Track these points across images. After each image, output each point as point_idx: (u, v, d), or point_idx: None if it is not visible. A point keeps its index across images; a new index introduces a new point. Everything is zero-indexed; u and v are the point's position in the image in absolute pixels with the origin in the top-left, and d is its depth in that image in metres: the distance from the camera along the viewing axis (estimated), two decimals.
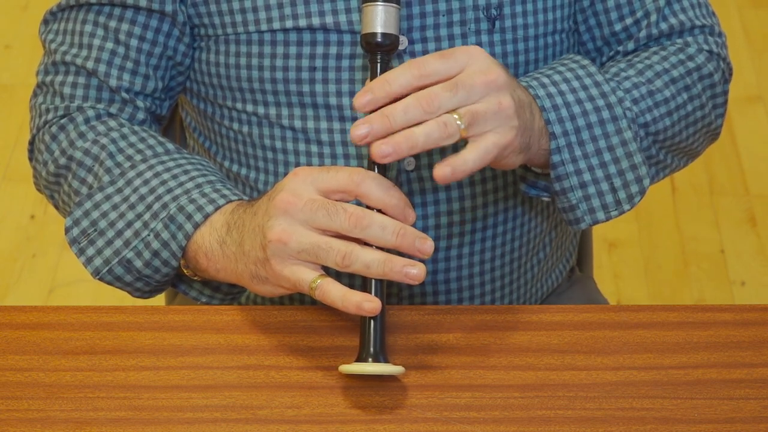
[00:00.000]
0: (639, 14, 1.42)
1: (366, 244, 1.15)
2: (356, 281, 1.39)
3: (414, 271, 1.13)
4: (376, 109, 1.15)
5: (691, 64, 1.40)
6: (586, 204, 1.31)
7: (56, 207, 1.43)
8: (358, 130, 1.14)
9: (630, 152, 1.31)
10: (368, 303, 1.13)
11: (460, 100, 1.16)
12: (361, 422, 1.15)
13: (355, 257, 1.13)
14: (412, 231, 1.14)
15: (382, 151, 1.14)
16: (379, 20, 1.20)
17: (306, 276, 1.15)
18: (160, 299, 1.79)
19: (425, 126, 1.15)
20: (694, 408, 1.16)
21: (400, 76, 1.16)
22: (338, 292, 1.14)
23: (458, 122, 1.15)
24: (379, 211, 1.15)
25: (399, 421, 1.15)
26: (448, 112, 1.15)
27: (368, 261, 1.13)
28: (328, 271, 1.17)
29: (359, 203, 1.16)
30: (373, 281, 1.16)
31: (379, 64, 1.21)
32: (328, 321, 1.24)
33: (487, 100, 1.17)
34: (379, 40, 1.20)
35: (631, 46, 1.42)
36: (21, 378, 1.19)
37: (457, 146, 1.31)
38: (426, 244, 1.14)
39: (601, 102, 1.30)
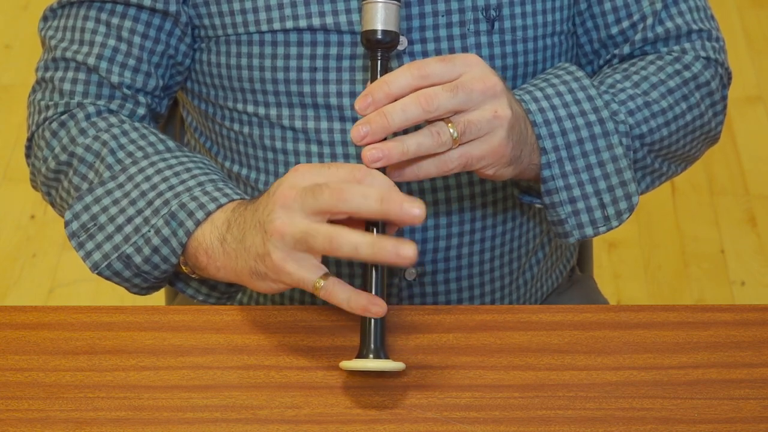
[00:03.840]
0: (636, 17, 1.42)
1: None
2: (356, 281, 1.39)
3: (405, 250, 1.10)
4: None
5: (687, 74, 1.40)
6: (575, 219, 1.31)
7: (52, 204, 1.43)
8: (358, 130, 1.15)
9: (620, 168, 1.31)
10: (375, 306, 1.13)
11: (459, 102, 1.16)
12: (361, 422, 1.15)
13: (343, 239, 1.11)
14: (398, 195, 1.11)
15: (372, 155, 1.14)
16: (380, 17, 1.20)
17: (310, 275, 1.15)
18: (160, 299, 1.79)
19: (418, 134, 1.16)
20: (694, 408, 1.16)
21: (399, 77, 1.16)
22: (344, 294, 1.13)
23: (451, 131, 1.16)
24: None
25: (399, 421, 1.15)
26: (442, 120, 1.16)
27: (356, 242, 1.11)
28: (328, 267, 1.16)
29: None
30: (373, 275, 1.16)
31: (379, 62, 1.21)
32: (328, 321, 1.24)
33: (483, 109, 1.18)
34: (380, 37, 1.20)
35: (627, 49, 1.42)
36: (21, 378, 1.19)
37: None
38: (414, 206, 1.10)
39: (593, 117, 1.30)
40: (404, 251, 1.10)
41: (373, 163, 1.14)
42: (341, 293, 1.13)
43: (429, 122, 1.17)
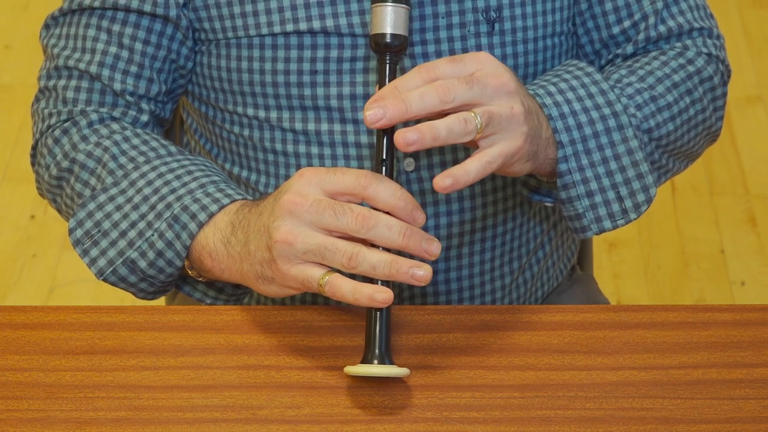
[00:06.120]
0: (637, 17, 1.42)
1: (373, 246, 1.15)
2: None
3: (420, 273, 1.13)
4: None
5: (691, 68, 1.40)
6: (592, 213, 1.31)
7: (59, 211, 1.43)
8: (374, 113, 1.13)
9: (636, 161, 1.31)
10: (380, 294, 1.13)
11: (474, 95, 1.15)
12: (361, 422, 1.15)
13: (362, 258, 1.13)
14: (419, 232, 1.14)
15: (407, 138, 1.12)
16: (389, 21, 1.20)
17: (314, 273, 1.15)
18: (160, 299, 1.79)
19: (448, 120, 1.14)
20: (694, 408, 1.16)
21: (409, 81, 1.15)
22: (348, 286, 1.13)
23: (477, 120, 1.15)
24: (387, 213, 1.15)
25: (399, 421, 1.15)
26: (464, 109, 1.15)
27: (374, 262, 1.13)
28: None
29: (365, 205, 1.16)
30: (380, 283, 1.16)
31: (387, 65, 1.21)
32: (328, 321, 1.24)
33: (500, 104, 1.17)
34: (389, 40, 1.20)
35: (629, 49, 1.42)
36: (21, 378, 1.19)
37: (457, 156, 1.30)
38: (433, 245, 1.14)
39: (607, 110, 1.30)
40: (419, 274, 1.13)
41: (407, 145, 1.12)
42: (345, 286, 1.13)
43: (444, 114, 1.16)
